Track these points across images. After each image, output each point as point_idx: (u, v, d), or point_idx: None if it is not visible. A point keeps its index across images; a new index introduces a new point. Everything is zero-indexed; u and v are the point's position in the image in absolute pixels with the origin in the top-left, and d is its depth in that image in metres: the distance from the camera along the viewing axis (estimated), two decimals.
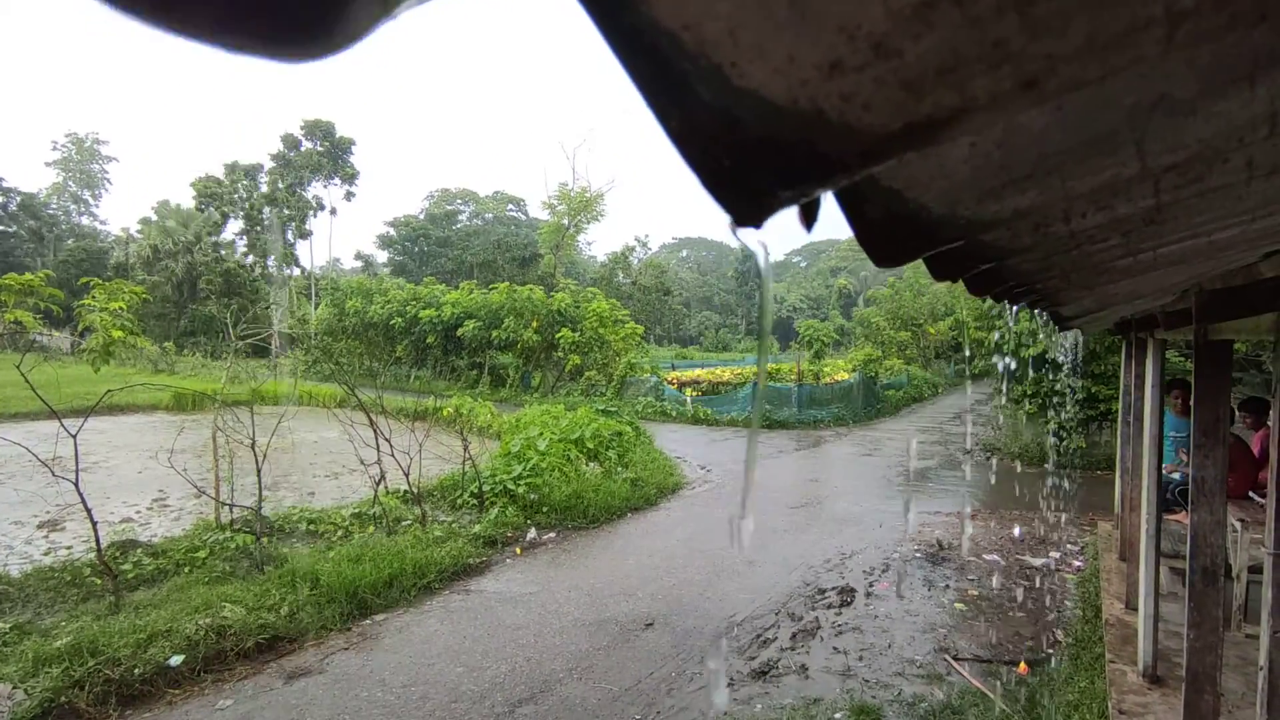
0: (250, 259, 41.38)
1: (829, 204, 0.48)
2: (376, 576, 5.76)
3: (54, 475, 5.34)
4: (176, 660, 4.44)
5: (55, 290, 6.03)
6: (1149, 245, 1.03)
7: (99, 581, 5.51)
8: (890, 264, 0.60)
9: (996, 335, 12.61)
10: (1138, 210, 0.71)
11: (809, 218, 0.41)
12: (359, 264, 62.75)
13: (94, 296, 6.30)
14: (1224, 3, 0.30)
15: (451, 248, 56.22)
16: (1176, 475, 5.60)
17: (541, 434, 9.86)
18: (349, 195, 47.22)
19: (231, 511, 6.99)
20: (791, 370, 20.53)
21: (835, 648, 4.94)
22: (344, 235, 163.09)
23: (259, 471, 6.68)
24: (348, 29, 0.23)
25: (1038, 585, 6.16)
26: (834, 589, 6.08)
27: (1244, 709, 3.70)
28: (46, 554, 6.78)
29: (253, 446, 6.56)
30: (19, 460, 9.99)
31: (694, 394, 19.39)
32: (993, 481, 10.93)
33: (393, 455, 7.69)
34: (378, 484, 7.69)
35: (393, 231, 60.98)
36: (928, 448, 14.08)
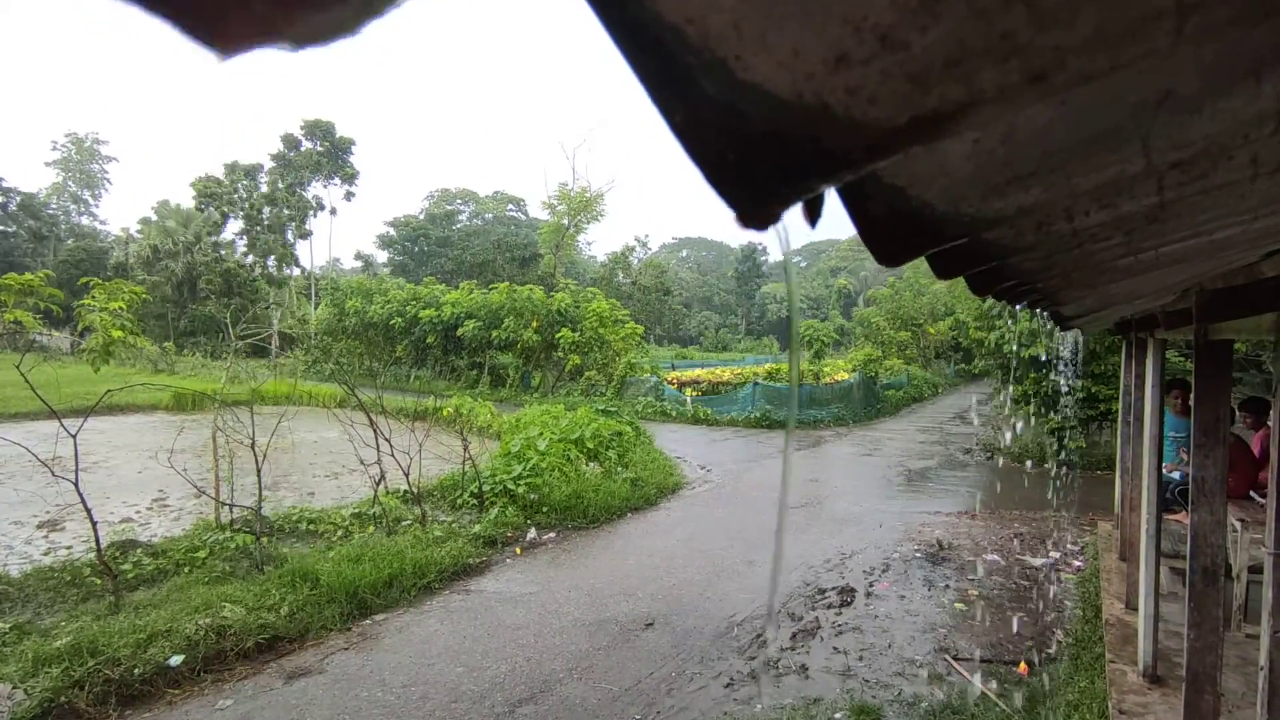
0: (250, 259, 41.35)
1: (831, 202, 0.48)
2: (376, 576, 5.76)
3: (54, 475, 5.34)
4: (176, 660, 4.43)
5: (55, 290, 6.03)
6: (1151, 244, 1.03)
7: (99, 581, 5.51)
8: (893, 262, 0.59)
9: (996, 335, 12.59)
10: (1141, 208, 0.71)
11: (813, 214, 0.41)
12: (359, 264, 62.73)
13: (94, 296, 6.29)
14: None
15: (451, 248, 56.21)
16: (1176, 474, 5.60)
17: (541, 434, 9.86)
18: (349, 195, 47.19)
19: (231, 511, 6.98)
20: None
21: (835, 648, 4.94)
22: (344, 235, 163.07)
23: (259, 471, 6.68)
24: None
25: (1038, 585, 6.16)
26: (834, 589, 6.08)
27: (1244, 709, 3.70)
28: (46, 554, 6.78)
29: (253, 446, 6.56)
30: (19, 460, 9.99)
31: (694, 394, 19.39)
32: (993, 481, 10.93)
33: (393, 455, 7.68)
34: (378, 484, 7.69)
35: (393, 231, 60.96)
36: (928, 448, 14.07)
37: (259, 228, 41.16)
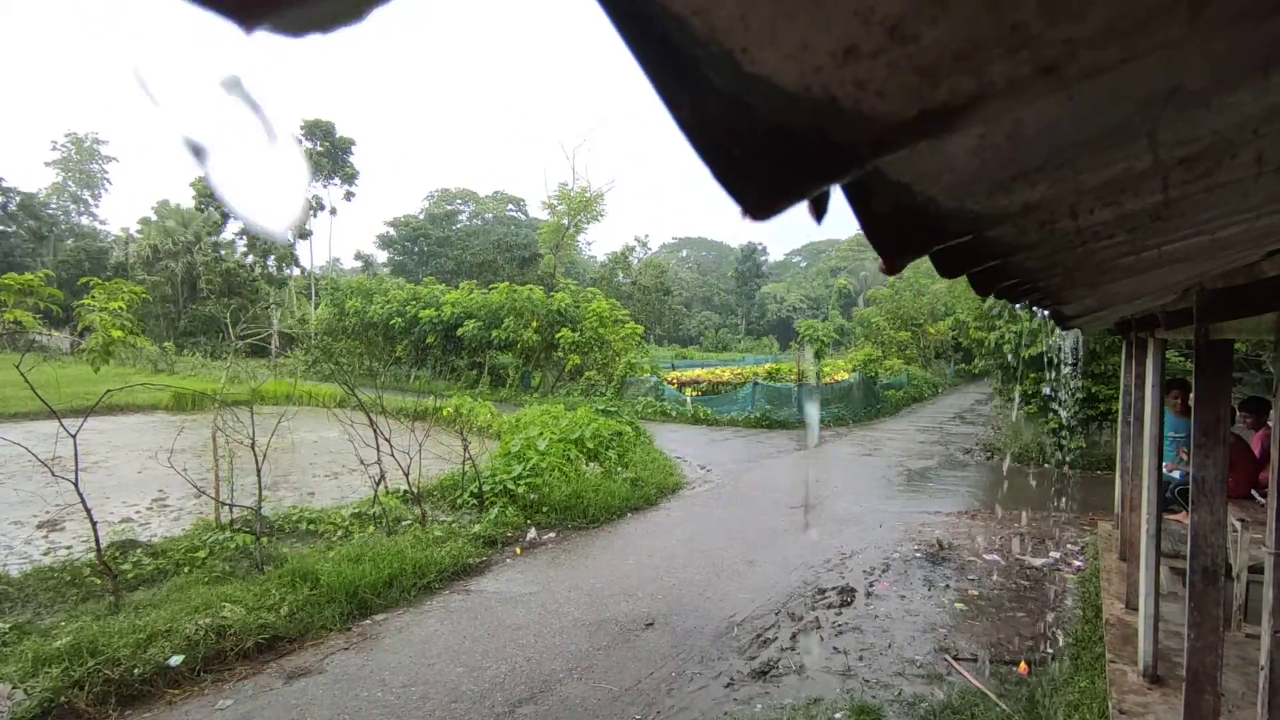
0: (250, 259, 41.32)
1: (834, 200, 0.47)
2: (376, 576, 5.75)
3: (54, 475, 5.33)
4: (176, 660, 4.43)
5: (55, 290, 6.02)
6: (1154, 242, 1.03)
7: (99, 581, 5.50)
8: (897, 260, 0.59)
9: (996, 335, 12.59)
10: (1145, 206, 0.71)
11: (819, 209, 0.41)
12: (359, 264, 62.68)
13: (93, 296, 6.29)
14: None
15: (451, 248, 56.19)
16: (1176, 474, 5.60)
17: (541, 434, 9.85)
18: (349, 195, 47.15)
19: (231, 511, 6.98)
20: (791, 370, 20.52)
21: (835, 648, 4.94)
22: (344, 235, 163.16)
23: (259, 471, 6.67)
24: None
25: (1038, 585, 6.16)
26: (834, 589, 6.07)
27: (1244, 709, 3.70)
28: (46, 554, 6.77)
29: (252, 446, 6.55)
30: (19, 460, 9.98)
31: (694, 394, 19.38)
32: (993, 481, 10.93)
33: (393, 455, 7.68)
34: (378, 484, 7.69)
35: (393, 231, 60.94)
36: (927, 447, 14.07)
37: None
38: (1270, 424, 5.41)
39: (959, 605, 5.69)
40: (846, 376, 20.30)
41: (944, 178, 0.49)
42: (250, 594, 5.23)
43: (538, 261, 46.14)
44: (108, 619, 4.78)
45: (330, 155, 45.00)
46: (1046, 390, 11.20)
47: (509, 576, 6.46)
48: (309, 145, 44.49)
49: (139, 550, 6.23)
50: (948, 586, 6.14)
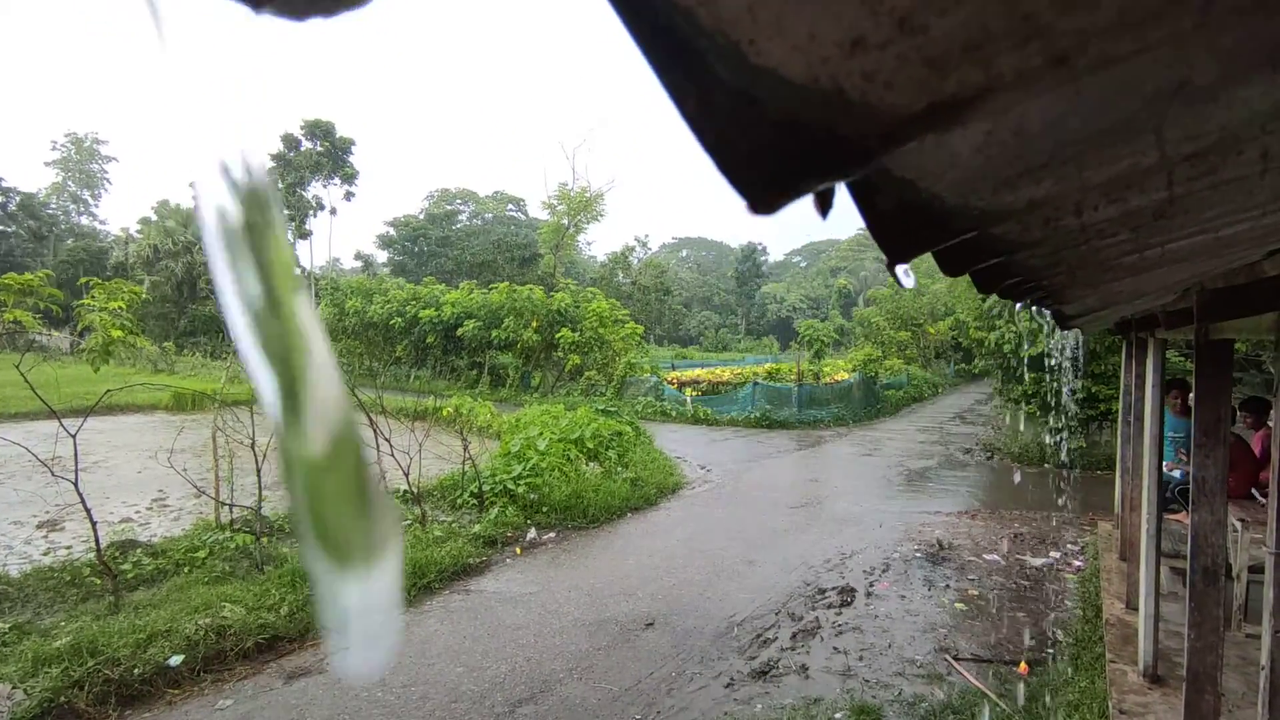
0: None
1: (838, 194, 0.47)
2: None
3: (53, 475, 5.33)
4: (176, 660, 4.43)
5: (55, 290, 6.02)
6: (1157, 241, 1.03)
7: (98, 581, 5.50)
8: (901, 257, 0.59)
9: (996, 335, 12.59)
10: (1150, 203, 0.70)
11: (824, 204, 0.40)
12: (359, 264, 62.67)
13: (93, 296, 6.28)
14: None
15: (451, 248, 56.20)
16: (1177, 473, 5.60)
17: (541, 434, 9.85)
18: (349, 195, 47.17)
19: (231, 511, 6.98)
20: (791, 370, 20.52)
21: (835, 648, 4.93)
22: (344, 235, 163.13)
23: (259, 471, 6.67)
24: None
25: (1038, 585, 6.16)
26: (834, 589, 6.07)
27: (1245, 709, 3.69)
28: (46, 554, 6.77)
29: (252, 446, 6.55)
30: (18, 460, 9.98)
31: (694, 394, 19.38)
32: (993, 481, 10.93)
33: (392, 455, 7.68)
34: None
35: (392, 231, 60.94)
36: (927, 447, 14.07)
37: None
38: (1270, 424, 5.41)
39: (959, 605, 5.69)
40: (846, 376, 20.30)
41: (949, 174, 0.48)
42: (250, 594, 5.23)
43: (538, 261, 46.14)
44: (108, 619, 4.78)
45: (330, 155, 45.01)
46: (1057, 386, 11.20)
47: (509, 576, 6.46)
48: (309, 145, 44.51)
49: (139, 550, 6.22)
50: (948, 586, 6.14)
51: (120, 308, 6.27)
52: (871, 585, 6.17)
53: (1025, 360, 11.52)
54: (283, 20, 0.23)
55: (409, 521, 7.44)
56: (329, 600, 0.28)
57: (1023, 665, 4.59)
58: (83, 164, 62.61)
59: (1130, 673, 4.11)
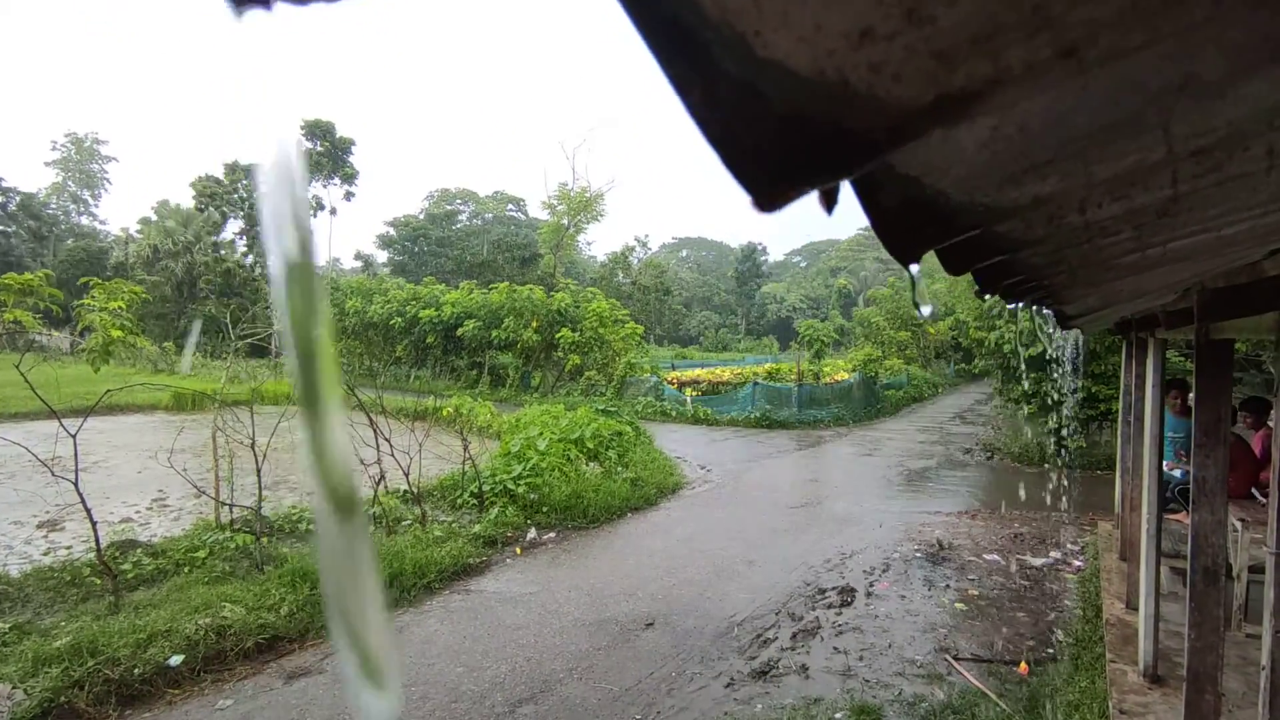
0: (250, 259, 41.33)
1: (843, 190, 0.47)
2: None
3: (53, 475, 5.32)
4: (176, 660, 4.42)
5: (55, 290, 6.01)
6: (1160, 239, 1.02)
7: (99, 581, 5.50)
8: (905, 255, 0.58)
9: (996, 335, 12.59)
10: (1154, 200, 0.70)
11: (830, 200, 0.40)
12: (359, 264, 62.64)
13: (93, 296, 6.28)
14: None
15: (451, 248, 56.19)
16: (1177, 473, 5.59)
17: (541, 434, 9.85)
18: (349, 195, 47.16)
19: (231, 511, 6.97)
20: (791, 370, 20.52)
21: (836, 648, 4.93)
22: (344, 235, 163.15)
23: (259, 471, 6.66)
24: None
25: (1038, 585, 6.15)
26: (834, 589, 6.07)
27: (1245, 709, 3.69)
28: (46, 554, 6.76)
29: (252, 446, 6.54)
30: (18, 460, 9.97)
31: (694, 394, 19.38)
32: (993, 481, 10.93)
33: (392, 455, 7.67)
34: (377, 484, 7.68)
35: (392, 231, 60.93)
36: (927, 447, 14.07)
37: (259, 227, 41.15)
38: (1270, 424, 5.41)
39: (959, 605, 5.69)
40: (846, 376, 20.30)
41: (954, 170, 0.48)
42: (250, 594, 5.22)
43: (538, 261, 46.14)
44: (108, 619, 4.77)
45: (330, 155, 45.01)
46: (1057, 385, 11.20)
47: (509, 576, 6.45)
48: (309, 145, 44.47)
49: (139, 550, 6.22)
50: (948, 586, 6.14)
51: (120, 308, 6.27)
52: (871, 585, 6.17)
53: (1026, 359, 11.52)
54: (285, 5, 0.23)
55: (409, 521, 7.44)
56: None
57: (1023, 665, 4.59)
58: (83, 164, 62.62)
59: (1130, 673, 4.11)
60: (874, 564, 6.74)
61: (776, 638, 5.11)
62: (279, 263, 0.31)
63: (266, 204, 0.30)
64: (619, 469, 9.96)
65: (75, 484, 5.30)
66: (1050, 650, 4.83)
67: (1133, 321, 5.12)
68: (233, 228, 43.02)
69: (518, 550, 7.17)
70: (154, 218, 44.09)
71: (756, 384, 18.30)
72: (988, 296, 1.09)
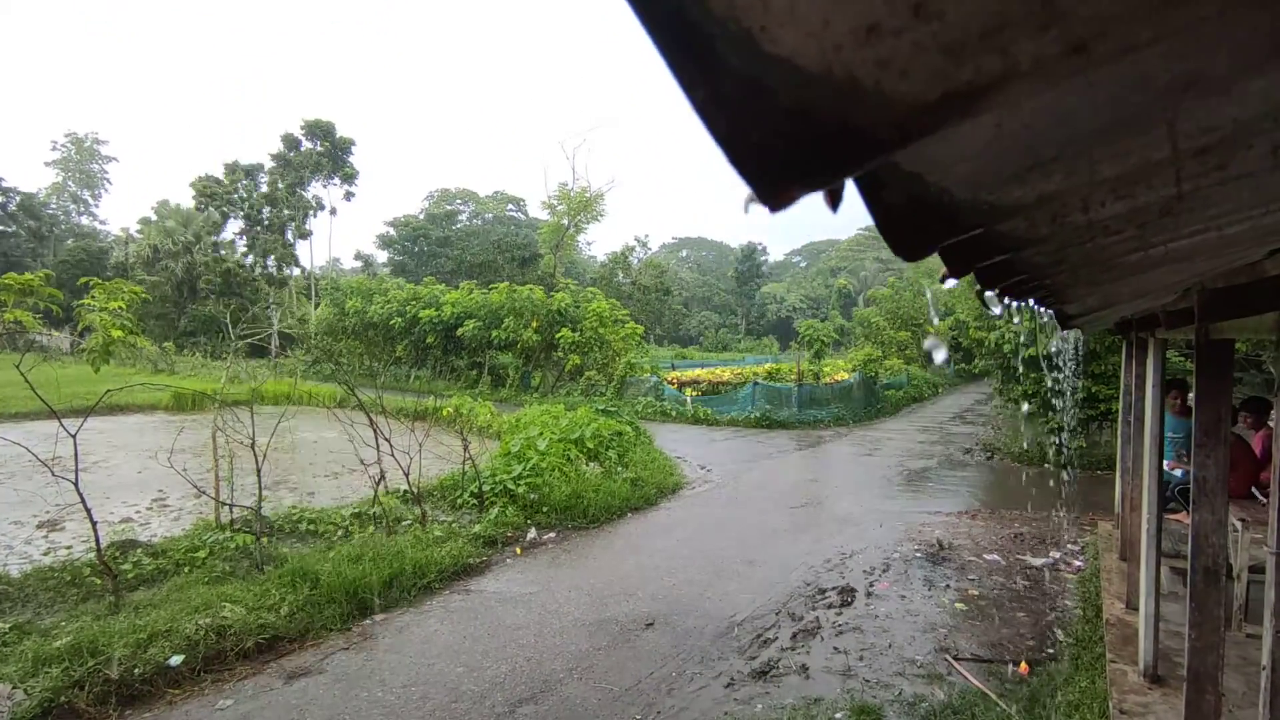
0: (250, 259, 41.33)
1: (848, 188, 0.47)
2: (376, 576, 5.74)
3: (53, 475, 5.32)
4: (176, 660, 4.42)
5: (55, 290, 6.01)
6: (1162, 239, 1.02)
7: (99, 581, 5.49)
8: (909, 253, 0.58)
9: (996, 335, 12.60)
10: (1158, 199, 0.70)
11: (835, 198, 0.40)
12: (359, 264, 62.62)
13: (93, 296, 6.27)
14: None
15: (451, 248, 56.15)
16: (1177, 473, 5.59)
17: (541, 434, 9.85)
18: (349, 195, 47.11)
19: (231, 511, 6.97)
20: (791, 370, 20.52)
21: (836, 647, 4.93)
22: (344, 235, 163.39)
23: (259, 471, 6.66)
24: None
25: (1038, 585, 6.15)
26: (834, 589, 6.07)
27: (1245, 709, 3.69)
28: (46, 554, 6.76)
29: (252, 446, 6.54)
30: (19, 460, 9.97)
31: (694, 394, 19.38)
32: (993, 481, 10.92)
33: (393, 455, 7.67)
34: (378, 484, 7.68)
35: (392, 231, 60.89)
36: (927, 447, 14.07)
37: (259, 228, 41.16)
38: (1270, 424, 5.41)
39: (959, 605, 5.69)
40: (846, 376, 20.29)
41: (959, 168, 0.48)
42: (250, 594, 5.22)
43: (538, 261, 46.14)
44: (108, 619, 4.77)
45: (330, 155, 44.96)
46: (1057, 386, 11.20)
47: (509, 576, 6.45)
48: (309, 145, 44.49)
49: (139, 550, 6.22)
50: (948, 586, 6.13)
51: (120, 308, 6.26)
52: (872, 585, 6.17)
53: (1026, 359, 11.53)
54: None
55: (409, 521, 7.43)
56: None
57: (1023, 665, 4.59)
58: (83, 164, 62.60)
59: (1131, 673, 4.11)
60: (874, 564, 6.74)
61: (776, 638, 5.11)
62: None
63: None
64: (619, 469, 9.96)
65: (75, 484, 5.30)
66: (1050, 650, 4.83)
67: (1133, 321, 5.12)
68: (233, 228, 43.03)
69: (518, 550, 7.17)
70: (154, 218, 44.11)
71: (756, 384, 18.30)
72: (989, 295, 1.09)
